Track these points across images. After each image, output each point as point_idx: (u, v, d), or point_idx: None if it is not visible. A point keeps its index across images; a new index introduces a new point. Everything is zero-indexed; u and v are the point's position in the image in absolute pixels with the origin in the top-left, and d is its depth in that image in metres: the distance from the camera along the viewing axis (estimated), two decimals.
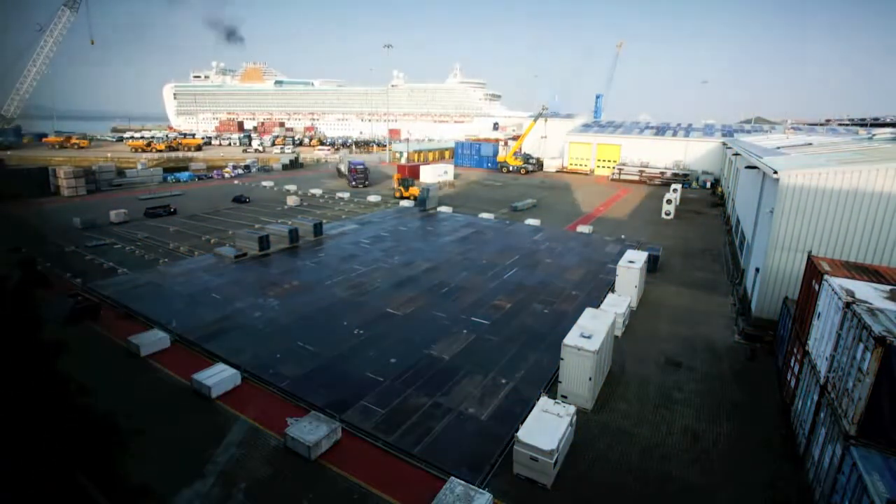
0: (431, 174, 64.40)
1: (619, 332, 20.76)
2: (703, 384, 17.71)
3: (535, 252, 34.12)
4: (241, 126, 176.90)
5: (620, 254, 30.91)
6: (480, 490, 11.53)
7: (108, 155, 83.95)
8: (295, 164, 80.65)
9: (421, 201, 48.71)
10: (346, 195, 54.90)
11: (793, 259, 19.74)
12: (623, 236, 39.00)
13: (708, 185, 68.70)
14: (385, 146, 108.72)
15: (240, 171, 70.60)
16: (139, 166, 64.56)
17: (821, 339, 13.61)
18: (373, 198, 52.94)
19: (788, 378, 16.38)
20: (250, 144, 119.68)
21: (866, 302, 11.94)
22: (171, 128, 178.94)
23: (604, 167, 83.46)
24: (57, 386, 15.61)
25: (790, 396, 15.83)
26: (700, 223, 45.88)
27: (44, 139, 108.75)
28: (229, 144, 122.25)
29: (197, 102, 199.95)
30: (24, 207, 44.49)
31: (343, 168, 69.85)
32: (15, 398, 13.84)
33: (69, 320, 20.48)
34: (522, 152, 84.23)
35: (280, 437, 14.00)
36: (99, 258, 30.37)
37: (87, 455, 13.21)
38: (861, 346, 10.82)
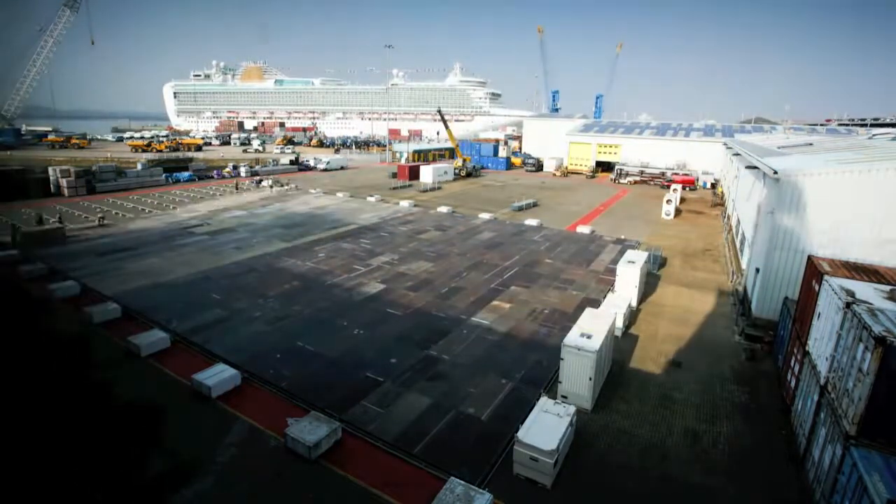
0: (431, 174, 64.46)
1: (619, 332, 20.76)
2: (703, 384, 17.71)
3: (535, 252, 34.11)
4: (241, 126, 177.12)
5: (620, 254, 30.96)
6: (480, 490, 11.53)
7: (108, 155, 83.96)
8: (294, 164, 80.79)
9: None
10: (343, 195, 54.93)
11: (793, 259, 19.74)
12: (623, 236, 39.01)
13: (708, 185, 68.75)
14: (385, 146, 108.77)
15: (239, 171, 70.50)
16: (139, 166, 64.51)
17: (821, 339, 13.62)
18: (371, 198, 52.98)
19: (788, 378, 16.38)
20: (250, 144, 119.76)
21: (866, 302, 11.94)
22: (170, 128, 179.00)
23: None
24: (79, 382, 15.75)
25: (790, 397, 15.83)
26: (700, 223, 45.89)
27: (44, 139, 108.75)
28: (227, 143, 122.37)
29: (197, 102, 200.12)
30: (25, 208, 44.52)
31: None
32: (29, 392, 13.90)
33: None
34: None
35: (280, 437, 13.99)
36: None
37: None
38: (861, 346, 10.83)
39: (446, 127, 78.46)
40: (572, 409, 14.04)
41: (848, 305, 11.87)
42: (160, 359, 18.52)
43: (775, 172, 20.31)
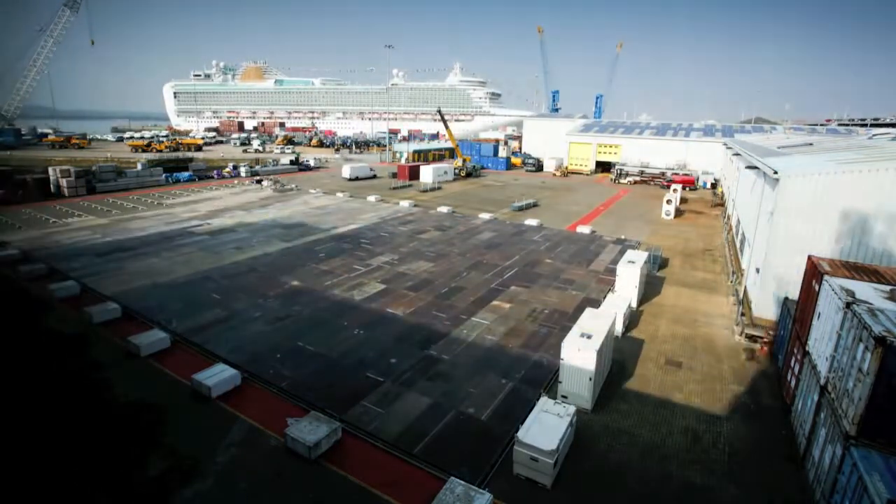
0: (432, 174, 64.47)
1: (619, 332, 20.76)
2: (703, 384, 17.71)
3: (535, 252, 34.12)
4: (241, 126, 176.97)
5: (621, 254, 30.97)
6: (480, 490, 11.53)
7: (108, 155, 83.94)
8: (294, 164, 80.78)
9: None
10: (343, 195, 54.92)
11: (793, 259, 19.72)
12: (623, 236, 39.01)
13: (708, 185, 68.74)
14: (384, 146, 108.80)
15: (239, 171, 70.58)
16: (139, 166, 64.50)
17: (821, 339, 13.62)
18: (371, 197, 52.98)
19: (788, 378, 16.39)
20: (250, 144, 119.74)
21: (866, 302, 11.95)
22: (170, 128, 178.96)
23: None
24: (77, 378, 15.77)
25: (790, 397, 15.84)
26: (700, 223, 45.89)
27: (43, 139, 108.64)
28: (221, 142, 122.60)
29: (197, 101, 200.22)
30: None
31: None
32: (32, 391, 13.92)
33: None
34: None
35: (280, 437, 13.99)
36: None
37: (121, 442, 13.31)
38: (861, 346, 10.83)
39: (446, 127, 78.46)
40: (572, 409, 14.03)
41: (848, 305, 11.87)
42: (160, 359, 18.52)
43: (775, 172, 20.31)
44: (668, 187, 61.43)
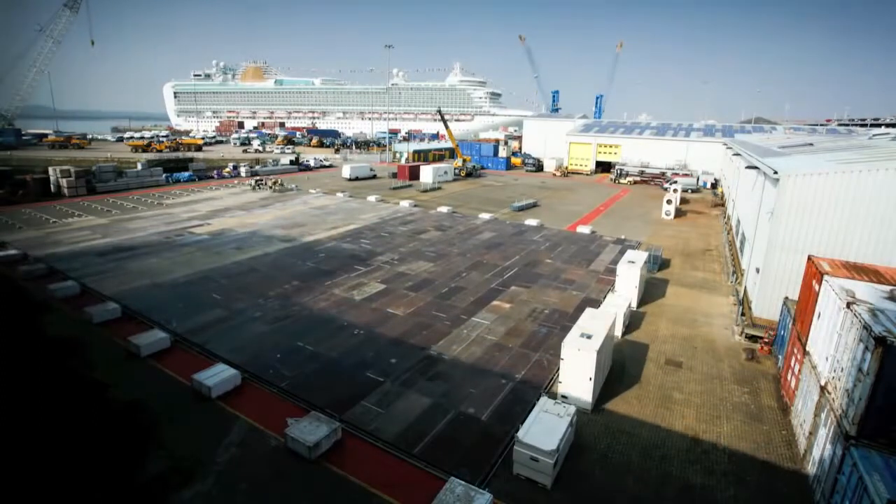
0: (432, 174, 64.48)
1: (619, 332, 20.76)
2: (703, 384, 17.71)
3: (535, 252, 34.12)
4: (241, 126, 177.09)
5: (621, 254, 30.98)
6: (480, 490, 11.52)
7: (108, 155, 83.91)
8: (294, 164, 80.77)
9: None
10: (343, 195, 54.93)
11: (793, 259, 19.72)
12: (623, 236, 39.02)
13: (708, 185, 68.73)
14: (384, 146, 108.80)
15: (239, 171, 70.58)
16: (139, 166, 64.48)
17: (821, 339, 13.63)
18: (372, 197, 52.98)
19: (788, 378, 16.39)
20: (250, 144, 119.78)
21: (866, 302, 11.95)
22: (170, 128, 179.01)
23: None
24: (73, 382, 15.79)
25: (790, 397, 15.85)
26: (700, 223, 45.89)
27: (43, 139, 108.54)
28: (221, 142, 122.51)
29: (197, 101, 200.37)
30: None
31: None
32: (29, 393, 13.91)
33: None
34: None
35: (280, 437, 13.99)
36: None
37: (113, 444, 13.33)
38: (861, 346, 10.83)
39: (446, 127, 78.47)
40: (572, 409, 14.03)
41: (848, 305, 11.88)
42: (160, 359, 18.51)
43: (775, 173, 20.31)
44: (670, 185, 61.24)
